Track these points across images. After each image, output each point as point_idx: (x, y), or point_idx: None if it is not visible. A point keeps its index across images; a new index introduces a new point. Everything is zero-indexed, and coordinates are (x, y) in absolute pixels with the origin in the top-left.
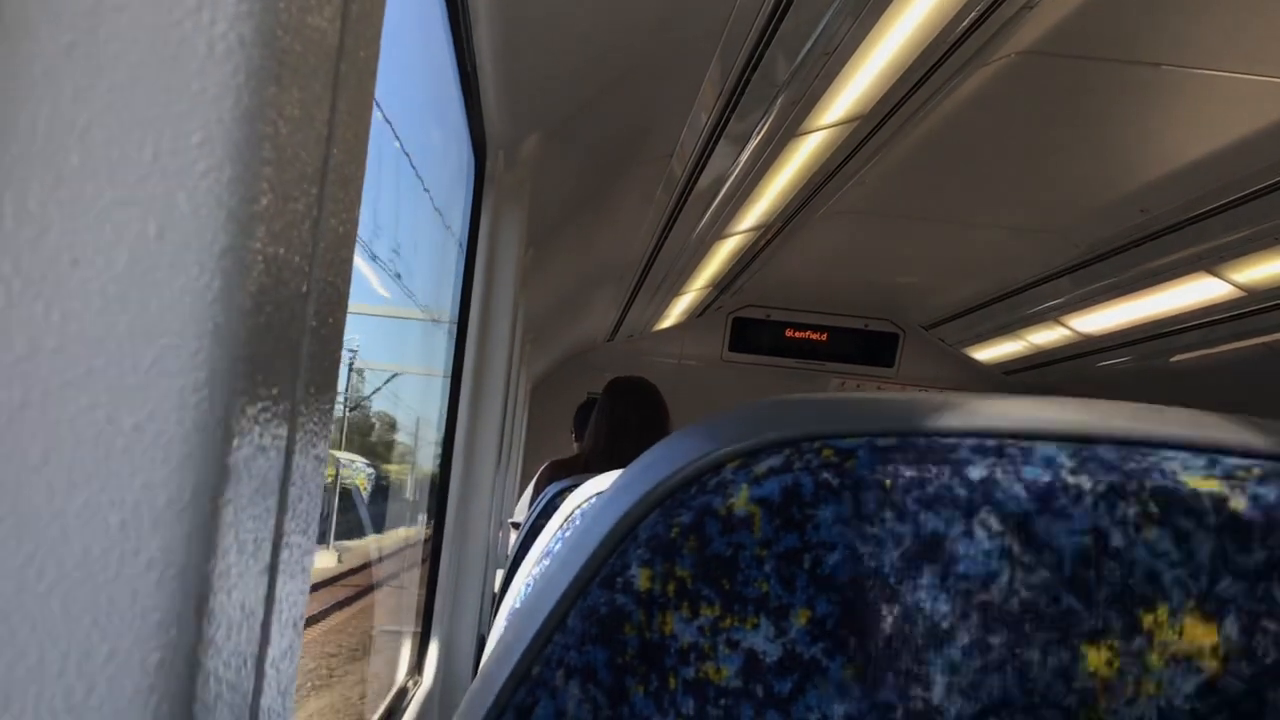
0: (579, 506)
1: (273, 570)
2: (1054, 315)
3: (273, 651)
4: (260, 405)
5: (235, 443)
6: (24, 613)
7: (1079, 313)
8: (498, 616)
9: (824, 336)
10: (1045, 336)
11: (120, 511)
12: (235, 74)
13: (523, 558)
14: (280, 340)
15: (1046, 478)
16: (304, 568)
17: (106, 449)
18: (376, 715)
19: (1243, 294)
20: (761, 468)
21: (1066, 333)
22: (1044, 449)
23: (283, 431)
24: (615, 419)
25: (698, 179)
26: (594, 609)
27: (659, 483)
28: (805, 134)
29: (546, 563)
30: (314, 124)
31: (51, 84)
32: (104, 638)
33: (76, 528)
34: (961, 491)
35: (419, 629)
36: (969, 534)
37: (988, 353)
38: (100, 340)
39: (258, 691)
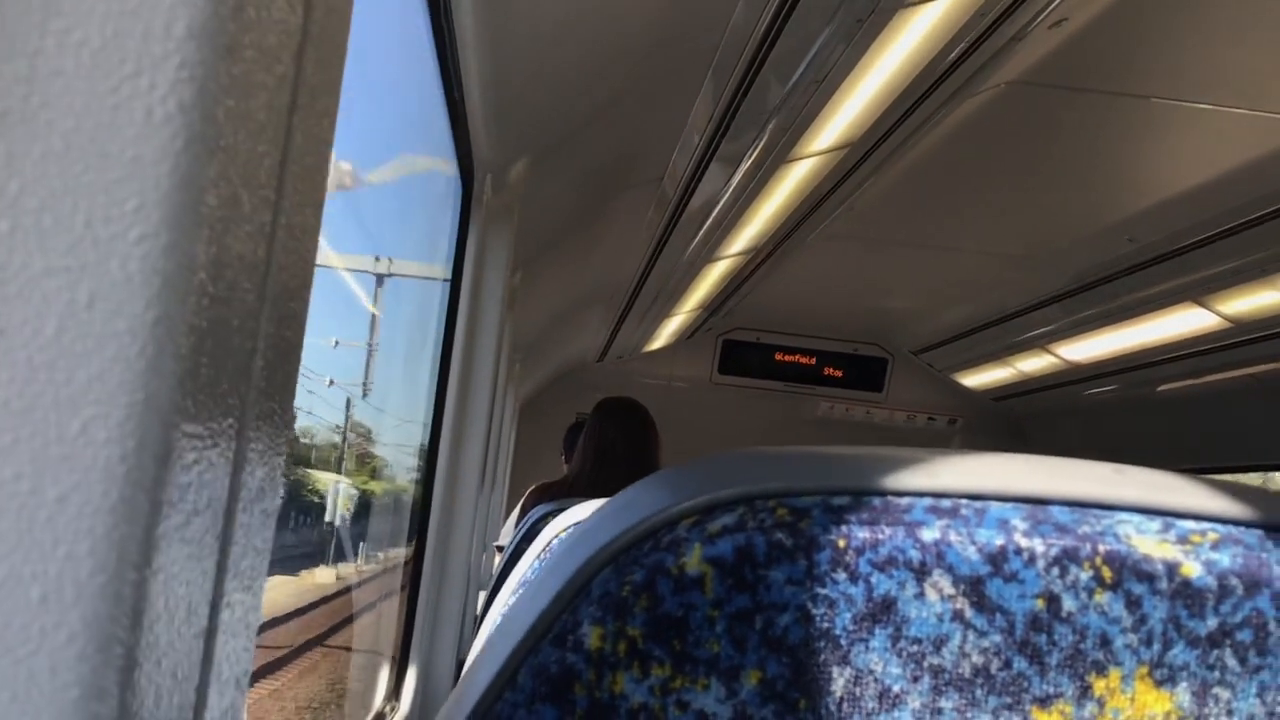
0: (556, 535)
1: (210, 633)
2: (1042, 343)
3: (210, 713)
4: (195, 471)
5: (165, 510)
6: None
7: (1067, 341)
8: (475, 643)
9: (813, 360)
10: (1033, 363)
11: (42, 584)
12: (174, 139)
13: (504, 582)
14: (221, 401)
15: (999, 540)
16: (248, 624)
17: (29, 520)
18: None
19: (1229, 325)
20: (715, 526)
21: (1054, 360)
22: (998, 510)
23: (221, 495)
24: (603, 442)
25: (688, 202)
26: (545, 667)
27: (615, 537)
28: (796, 160)
29: (507, 609)
30: (261, 184)
31: None
32: (23, 712)
33: None
34: (914, 553)
35: (397, 652)
36: (921, 596)
37: (976, 379)
38: (26, 411)
39: None
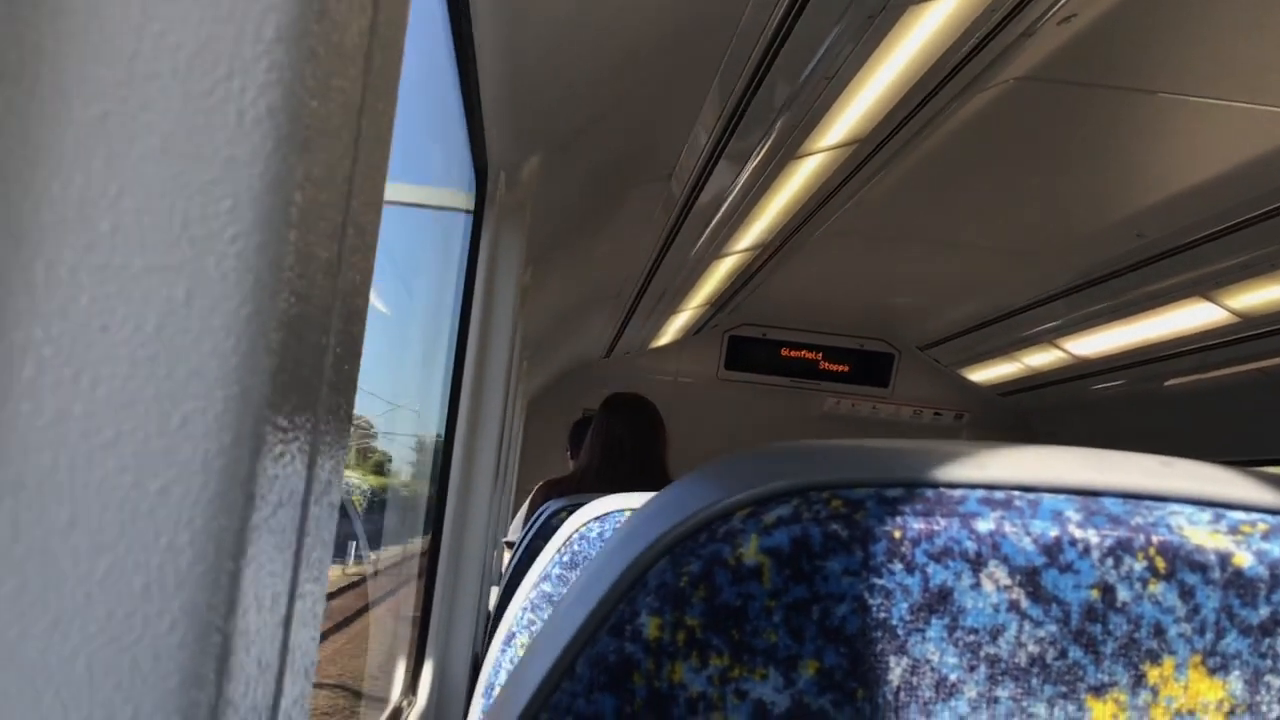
0: (577, 530)
1: (287, 623)
2: (1049, 338)
3: (285, 701)
4: (282, 462)
5: (258, 502)
6: (48, 676)
7: (1074, 336)
8: (494, 638)
9: (819, 356)
10: (1040, 359)
11: (145, 575)
12: (264, 141)
13: (518, 579)
14: (301, 395)
15: (1054, 531)
16: (315, 615)
17: (132, 512)
18: None
19: (1238, 319)
20: (771, 517)
21: (1062, 355)
22: (1051, 501)
23: (300, 485)
24: (610, 437)
25: (696, 199)
26: (603, 656)
27: (669, 529)
28: (804, 156)
29: (545, 586)
30: (336, 183)
31: (84, 152)
32: (127, 700)
33: (101, 592)
34: (970, 544)
35: (413, 647)
36: (977, 586)
37: (983, 374)
38: (128, 405)
39: None
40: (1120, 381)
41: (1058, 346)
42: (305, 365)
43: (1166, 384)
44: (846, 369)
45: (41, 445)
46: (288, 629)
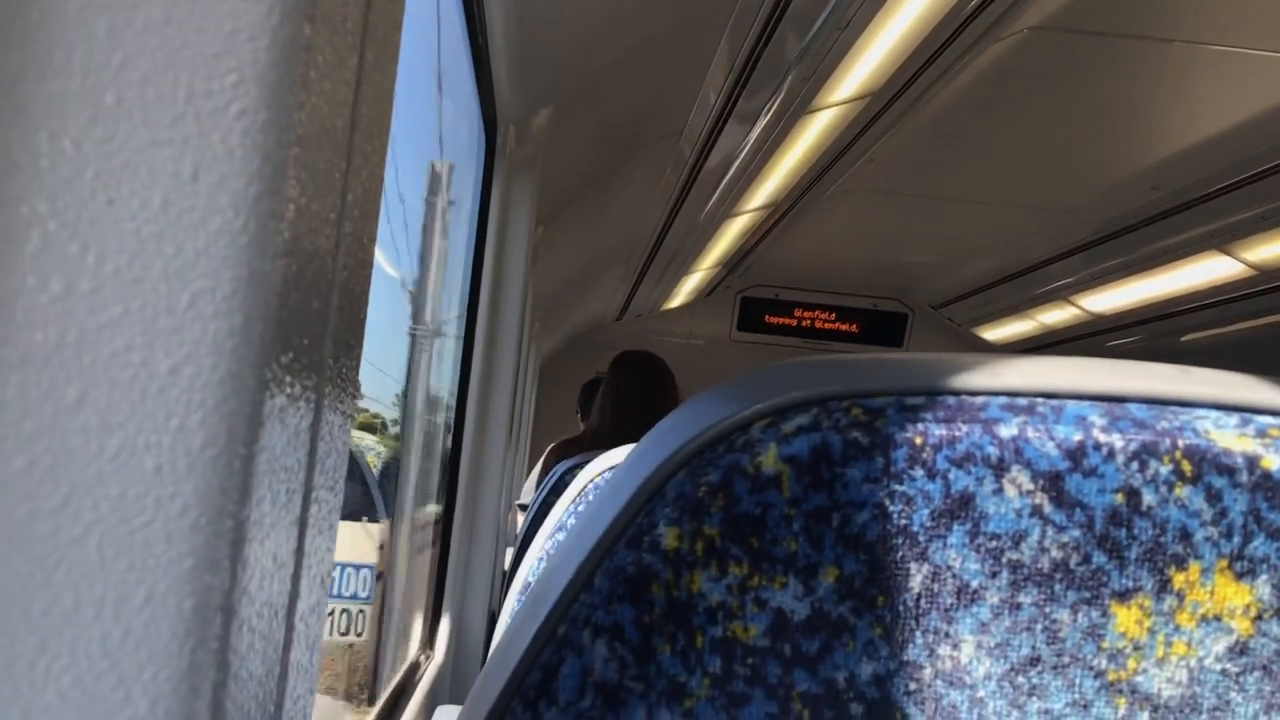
0: (592, 480)
1: (302, 523)
2: (1064, 294)
3: (302, 605)
4: (293, 354)
5: (269, 390)
6: (60, 555)
7: (1089, 292)
8: (509, 595)
9: (832, 316)
10: (1055, 316)
11: (156, 455)
12: (270, 14)
13: (533, 536)
14: (311, 290)
15: (1078, 436)
16: (331, 524)
17: (142, 391)
18: (390, 688)
19: (1254, 272)
20: (790, 426)
21: (1077, 312)
22: (1075, 407)
23: (312, 382)
24: (620, 396)
25: (707, 157)
26: (621, 568)
27: (686, 441)
28: (815, 111)
29: (560, 536)
30: (345, 67)
31: (85, 23)
32: (140, 581)
33: (112, 471)
34: (992, 449)
35: (430, 604)
36: (999, 492)
37: (997, 332)
38: (136, 282)
39: (287, 645)
40: (1137, 337)
41: (1072, 303)
42: (315, 258)
43: (1183, 339)
44: (860, 329)
45: (48, 320)
46: (303, 529)
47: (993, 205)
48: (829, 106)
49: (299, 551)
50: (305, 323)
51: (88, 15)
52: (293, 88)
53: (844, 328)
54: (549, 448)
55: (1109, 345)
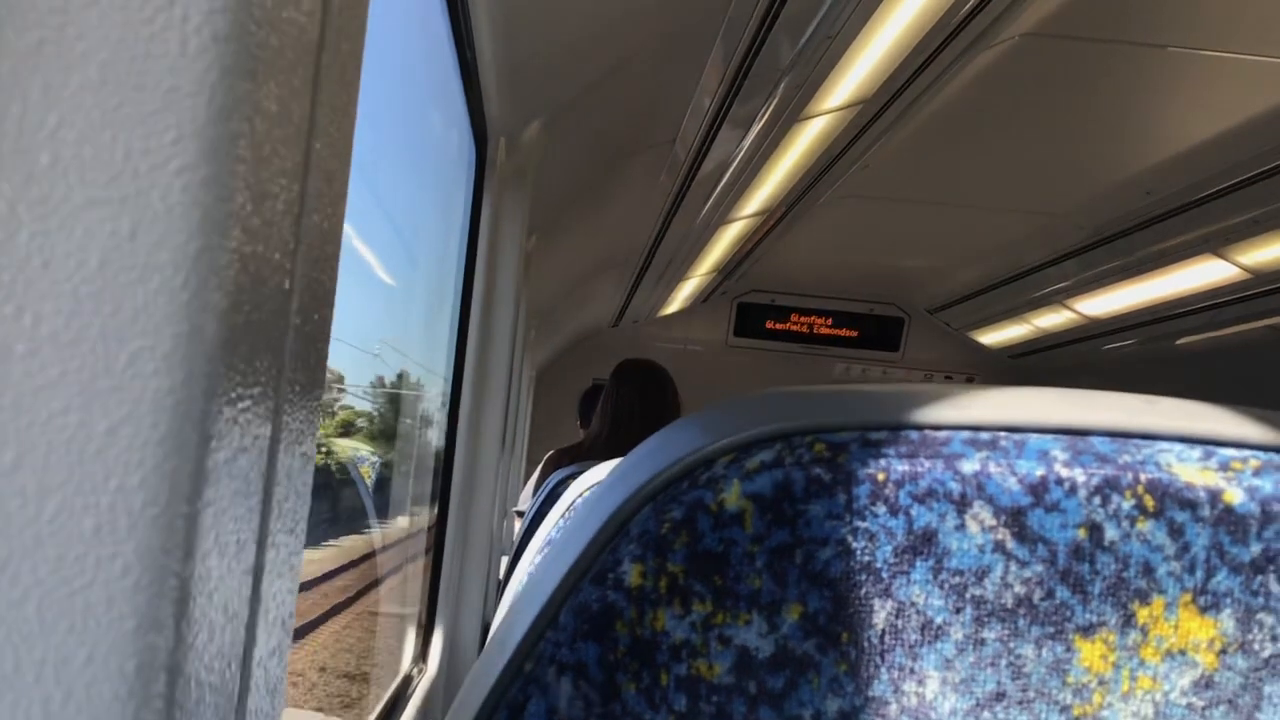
0: (579, 495)
1: (258, 571)
2: (1059, 298)
3: (259, 652)
4: (241, 405)
5: (214, 444)
6: None
7: (1084, 296)
8: (501, 603)
9: (829, 321)
10: (1051, 320)
11: (95, 516)
12: (209, 70)
13: (526, 545)
14: (261, 338)
15: (1040, 470)
16: (292, 566)
17: (80, 453)
18: (382, 702)
19: (1248, 276)
20: (753, 462)
21: (1072, 316)
22: (1037, 441)
23: (265, 431)
24: (620, 406)
25: (701, 164)
26: (586, 605)
27: (652, 477)
28: (809, 118)
29: (547, 551)
30: (293, 119)
31: (19, 83)
32: (81, 643)
33: (50, 533)
34: (954, 485)
35: (423, 616)
36: (962, 527)
37: (993, 336)
38: (73, 343)
39: (244, 692)
40: (1131, 341)
41: (1068, 307)
42: (265, 308)
43: (1178, 343)
44: (856, 333)
45: None
46: (258, 577)
47: (987, 210)
48: (822, 114)
49: (254, 599)
50: (256, 371)
51: (23, 75)
52: (234, 142)
53: (842, 333)
54: (547, 455)
55: (1105, 349)
